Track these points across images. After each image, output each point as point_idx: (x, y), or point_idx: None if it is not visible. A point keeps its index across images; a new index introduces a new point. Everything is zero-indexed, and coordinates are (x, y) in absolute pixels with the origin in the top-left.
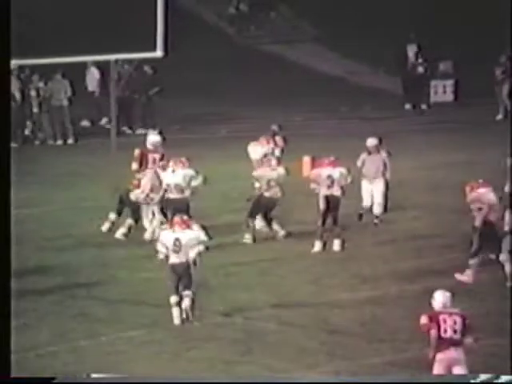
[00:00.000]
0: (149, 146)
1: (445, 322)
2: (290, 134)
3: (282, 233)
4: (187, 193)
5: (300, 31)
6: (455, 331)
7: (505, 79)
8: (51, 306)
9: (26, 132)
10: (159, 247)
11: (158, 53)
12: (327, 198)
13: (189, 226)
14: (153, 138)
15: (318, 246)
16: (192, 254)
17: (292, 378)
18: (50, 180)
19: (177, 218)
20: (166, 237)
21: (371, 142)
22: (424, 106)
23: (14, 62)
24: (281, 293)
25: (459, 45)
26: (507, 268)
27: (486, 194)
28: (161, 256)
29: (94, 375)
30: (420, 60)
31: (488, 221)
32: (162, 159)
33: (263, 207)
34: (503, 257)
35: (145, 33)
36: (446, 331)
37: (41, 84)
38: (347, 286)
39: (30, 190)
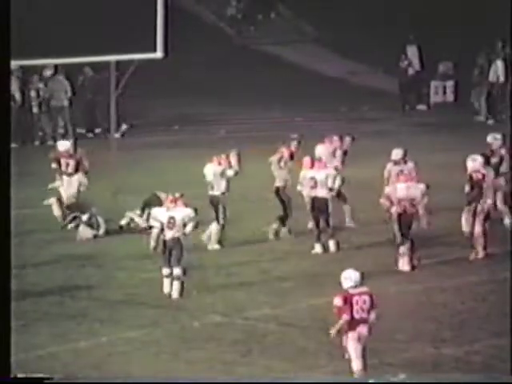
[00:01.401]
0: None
1: (357, 303)
2: (287, 135)
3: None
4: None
5: (300, 32)
6: (364, 310)
7: (481, 81)
8: (51, 306)
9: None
10: (153, 223)
11: (158, 54)
12: (312, 200)
13: (179, 203)
14: (61, 144)
15: (317, 248)
16: (188, 229)
17: (292, 378)
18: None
19: (170, 197)
20: (161, 214)
21: (397, 153)
22: (424, 107)
23: (14, 63)
24: (280, 293)
25: (460, 46)
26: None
27: (410, 188)
28: (155, 230)
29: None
30: (419, 61)
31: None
32: (78, 165)
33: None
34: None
35: (145, 34)
36: (357, 312)
37: (41, 84)
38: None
39: (30, 190)
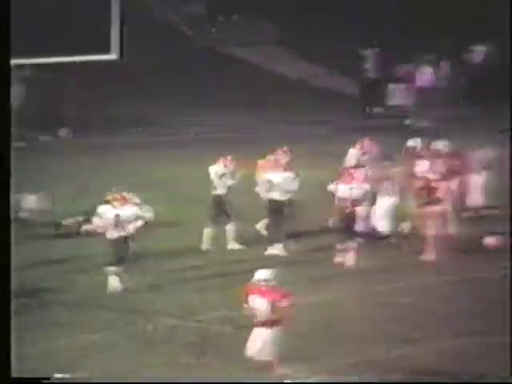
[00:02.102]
0: None
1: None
2: (252, 138)
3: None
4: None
5: (262, 34)
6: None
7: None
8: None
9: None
10: (97, 222)
11: (113, 55)
12: (269, 202)
13: (127, 202)
14: None
15: (269, 250)
16: (131, 228)
17: (292, 379)
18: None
19: (116, 195)
20: (107, 212)
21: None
22: (381, 109)
23: None
24: (236, 295)
25: (419, 48)
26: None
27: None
28: (99, 230)
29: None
30: (378, 63)
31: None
32: None
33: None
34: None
35: (100, 34)
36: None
37: None
38: (304, 288)
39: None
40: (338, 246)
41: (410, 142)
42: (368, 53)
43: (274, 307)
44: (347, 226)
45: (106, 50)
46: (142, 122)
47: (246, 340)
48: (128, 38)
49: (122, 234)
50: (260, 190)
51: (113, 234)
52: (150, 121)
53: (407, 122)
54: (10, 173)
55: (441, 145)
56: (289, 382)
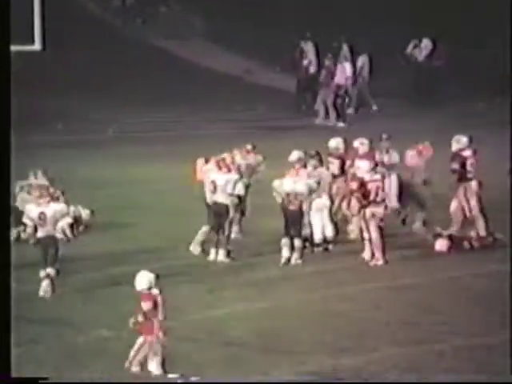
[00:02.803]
0: None
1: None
2: (182, 135)
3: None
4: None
5: (191, 27)
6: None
7: (328, 83)
8: None
9: None
10: (26, 220)
11: (37, 46)
12: (211, 204)
13: (53, 199)
14: None
15: (212, 254)
16: (58, 227)
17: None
18: None
19: (41, 191)
20: (31, 210)
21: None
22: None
23: None
24: (173, 305)
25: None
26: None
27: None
28: (29, 230)
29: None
30: (314, 58)
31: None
32: None
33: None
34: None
35: (22, 24)
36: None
37: None
38: (243, 297)
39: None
40: (283, 245)
41: (331, 142)
42: (306, 47)
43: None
44: (292, 223)
45: (30, 41)
46: (63, 118)
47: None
48: (52, 30)
49: (51, 233)
50: (206, 191)
51: (40, 234)
52: (71, 117)
53: (319, 121)
54: (10, 171)
55: (358, 143)
56: (291, 382)
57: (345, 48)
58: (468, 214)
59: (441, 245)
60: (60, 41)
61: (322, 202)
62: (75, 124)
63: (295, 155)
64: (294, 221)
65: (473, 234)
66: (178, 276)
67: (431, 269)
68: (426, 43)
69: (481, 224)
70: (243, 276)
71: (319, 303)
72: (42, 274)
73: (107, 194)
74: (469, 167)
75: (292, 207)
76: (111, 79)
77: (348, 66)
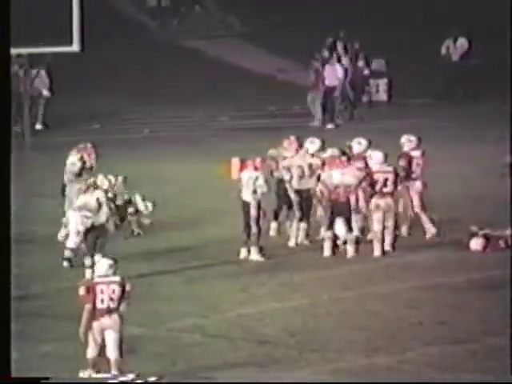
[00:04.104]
0: None
1: (102, 292)
2: (215, 135)
3: None
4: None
5: (225, 26)
6: (112, 299)
7: (317, 84)
8: None
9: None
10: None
11: (75, 47)
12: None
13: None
14: None
15: (243, 252)
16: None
17: (291, 378)
18: None
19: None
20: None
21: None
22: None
23: None
24: (207, 303)
25: (393, 43)
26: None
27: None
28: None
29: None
30: (349, 58)
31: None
32: None
33: None
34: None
35: (60, 26)
36: (102, 301)
37: None
38: (276, 295)
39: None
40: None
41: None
42: (339, 46)
43: None
44: (341, 215)
45: (68, 42)
46: (98, 119)
47: None
48: (90, 31)
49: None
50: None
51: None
52: (107, 117)
53: (315, 123)
54: (10, 171)
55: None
56: (291, 382)
57: (340, 49)
58: (412, 213)
59: (476, 244)
60: (97, 42)
61: None
62: (112, 124)
63: (329, 152)
64: (343, 213)
65: (508, 232)
66: (211, 274)
67: (466, 268)
68: (462, 42)
69: (428, 225)
70: (276, 274)
71: (353, 302)
72: (88, 262)
73: (144, 192)
74: (414, 167)
75: (341, 199)
76: (147, 79)
77: (339, 68)
